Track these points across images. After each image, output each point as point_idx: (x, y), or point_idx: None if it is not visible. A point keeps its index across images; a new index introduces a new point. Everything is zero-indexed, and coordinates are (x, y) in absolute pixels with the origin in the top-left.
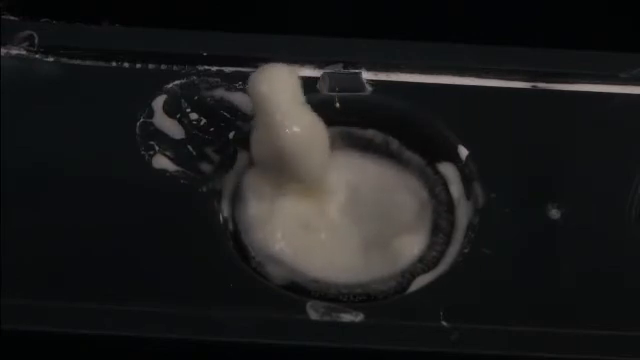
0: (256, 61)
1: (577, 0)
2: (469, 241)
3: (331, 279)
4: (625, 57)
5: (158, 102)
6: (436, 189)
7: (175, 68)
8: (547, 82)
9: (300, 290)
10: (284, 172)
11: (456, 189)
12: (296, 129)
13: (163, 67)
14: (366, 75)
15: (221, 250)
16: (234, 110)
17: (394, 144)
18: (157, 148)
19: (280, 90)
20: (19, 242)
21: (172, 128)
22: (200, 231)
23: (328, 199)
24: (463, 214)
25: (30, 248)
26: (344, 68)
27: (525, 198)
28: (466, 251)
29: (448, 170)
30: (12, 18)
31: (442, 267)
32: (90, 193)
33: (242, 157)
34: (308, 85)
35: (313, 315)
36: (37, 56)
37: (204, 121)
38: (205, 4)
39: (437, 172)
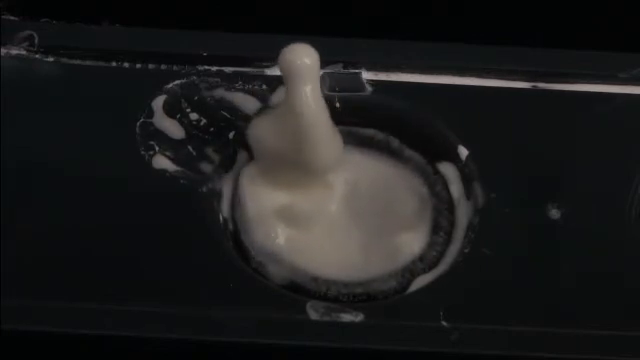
0: (256, 61)
1: (577, 0)
2: (469, 241)
3: (331, 277)
4: (625, 57)
5: (158, 102)
6: (436, 187)
7: (175, 68)
8: (547, 82)
9: (300, 290)
10: (297, 157)
11: (456, 189)
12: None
13: (163, 67)
14: (366, 75)
15: (221, 250)
16: (234, 110)
17: (394, 143)
18: (157, 148)
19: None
20: (19, 242)
21: (172, 128)
22: (200, 231)
23: (328, 197)
24: (463, 214)
25: (30, 248)
26: (344, 68)
27: (525, 198)
28: (466, 251)
29: (448, 170)
30: (12, 18)
31: (442, 267)
32: (90, 193)
33: (242, 157)
34: None
35: (313, 315)
36: (37, 56)
37: (204, 121)
38: (205, 4)
39: (437, 172)
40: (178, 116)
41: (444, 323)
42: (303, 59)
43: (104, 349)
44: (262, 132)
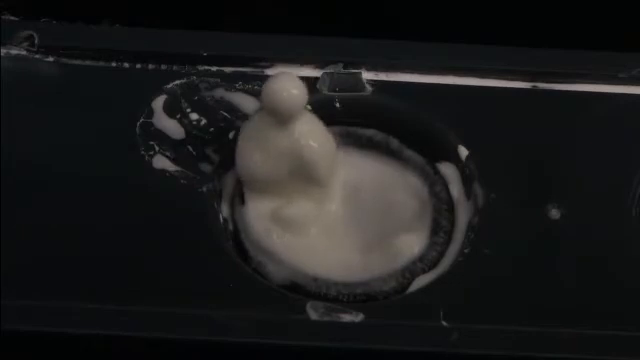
0: (256, 61)
1: (576, 0)
2: (469, 241)
3: (331, 278)
4: (625, 57)
5: (158, 102)
6: (436, 187)
7: (175, 68)
8: (547, 82)
9: (300, 290)
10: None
11: (456, 189)
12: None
13: (163, 67)
14: (366, 75)
15: (221, 250)
16: (234, 110)
17: (394, 143)
18: (157, 148)
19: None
20: (19, 242)
21: (172, 128)
22: (200, 231)
23: (328, 197)
24: (463, 214)
25: (30, 248)
26: (344, 68)
27: (525, 198)
28: (466, 251)
29: (448, 170)
30: (12, 18)
31: (442, 267)
32: (90, 193)
33: None
34: (308, 85)
35: (313, 315)
36: (37, 56)
37: (204, 121)
38: (205, 4)
39: (437, 172)
40: (178, 116)
41: (444, 323)
42: (290, 90)
43: (104, 349)
44: (253, 165)
